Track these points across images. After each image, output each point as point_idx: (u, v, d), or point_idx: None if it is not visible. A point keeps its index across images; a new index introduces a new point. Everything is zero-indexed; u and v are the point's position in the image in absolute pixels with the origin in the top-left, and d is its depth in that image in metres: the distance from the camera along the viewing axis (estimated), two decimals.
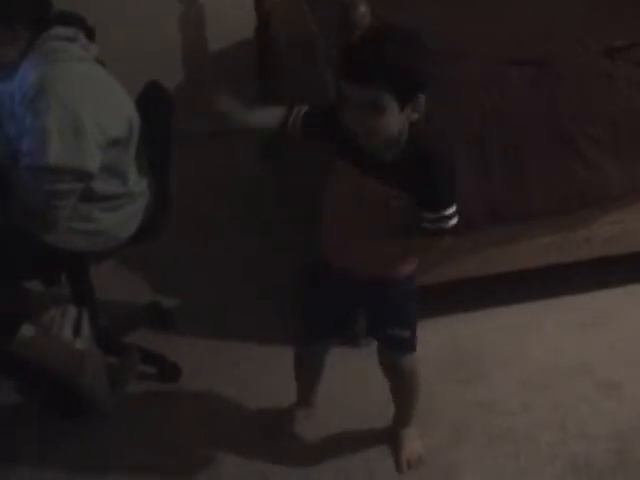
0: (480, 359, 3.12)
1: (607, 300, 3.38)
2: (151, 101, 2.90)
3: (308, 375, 2.80)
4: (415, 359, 2.60)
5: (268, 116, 2.41)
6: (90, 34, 2.74)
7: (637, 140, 3.15)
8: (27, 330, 2.73)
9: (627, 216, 3.27)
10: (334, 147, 2.29)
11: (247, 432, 2.84)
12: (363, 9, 2.72)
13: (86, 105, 2.55)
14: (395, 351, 2.57)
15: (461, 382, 3.02)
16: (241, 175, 4.20)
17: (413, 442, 2.77)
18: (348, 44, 2.39)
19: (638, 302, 3.38)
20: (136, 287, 3.47)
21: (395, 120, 2.11)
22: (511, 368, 3.08)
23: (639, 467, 2.71)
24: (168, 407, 2.94)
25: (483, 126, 3.01)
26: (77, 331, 2.95)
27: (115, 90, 2.74)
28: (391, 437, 2.79)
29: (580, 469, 2.71)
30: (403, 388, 2.69)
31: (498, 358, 3.12)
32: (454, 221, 2.22)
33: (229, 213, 3.95)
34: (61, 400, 2.88)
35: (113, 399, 2.88)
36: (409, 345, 2.55)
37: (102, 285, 3.09)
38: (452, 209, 2.21)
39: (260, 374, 3.05)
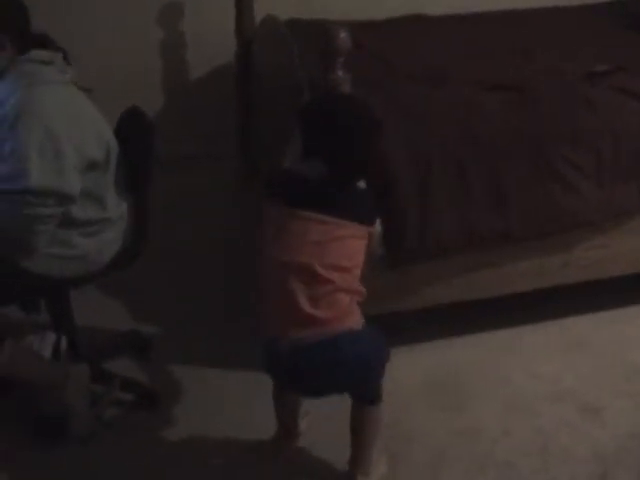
0: (461, 385, 3.10)
1: (589, 325, 3.38)
2: (131, 126, 2.91)
3: (289, 408, 2.77)
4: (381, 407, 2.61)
5: None
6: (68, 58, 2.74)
7: (616, 165, 3.17)
8: (7, 347, 2.71)
9: (609, 241, 3.28)
10: None
11: (225, 460, 2.81)
12: (344, 35, 2.74)
13: (63, 126, 2.55)
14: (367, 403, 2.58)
15: (442, 408, 3.00)
16: (223, 199, 4.19)
17: None
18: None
19: (620, 327, 3.38)
20: (116, 314, 3.44)
21: None
22: (492, 394, 3.06)
23: None
24: (145, 434, 2.90)
25: (463, 150, 3.02)
26: (56, 357, 2.93)
27: (92, 114, 2.74)
28: None
29: None
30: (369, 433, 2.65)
31: (479, 384, 3.11)
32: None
33: (211, 238, 3.93)
34: (39, 419, 2.86)
35: (89, 424, 2.85)
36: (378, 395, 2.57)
37: (81, 312, 3.07)
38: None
39: (240, 402, 3.02)
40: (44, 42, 2.69)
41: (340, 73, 2.78)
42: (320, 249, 2.33)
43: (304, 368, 2.39)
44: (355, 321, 2.41)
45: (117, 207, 2.80)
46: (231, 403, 3.02)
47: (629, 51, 3.68)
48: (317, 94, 2.84)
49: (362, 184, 2.53)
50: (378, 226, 2.52)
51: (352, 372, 2.42)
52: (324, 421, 2.84)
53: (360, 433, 2.62)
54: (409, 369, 3.13)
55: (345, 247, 2.36)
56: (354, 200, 2.43)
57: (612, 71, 3.39)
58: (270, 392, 2.72)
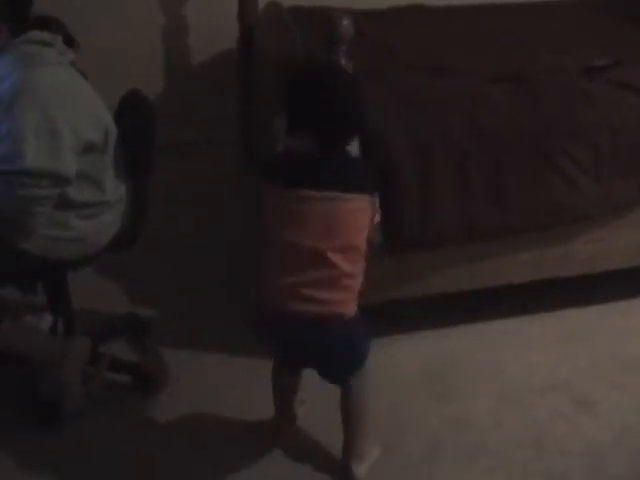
0: (455, 375, 3.11)
1: (586, 317, 3.39)
2: (132, 109, 2.90)
3: (285, 394, 2.78)
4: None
5: None
6: (69, 41, 2.73)
7: (614, 160, 3.17)
8: (5, 324, 2.72)
9: (607, 235, 3.29)
10: None
11: (223, 442, 2.82)
12: (347, 23, 2.75)
13: (60, 108, 2.54)
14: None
15: (437, 397, 3.01)
16: (224, 185, 4.18)
17: None
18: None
19: (617, 320, 3.39)
20: (113, 297, 3.45)
21: None
22: (486, 384, 3.07)
23: None
24: (142, 417, 2.91)
25: (464, 141, 3.02)
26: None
27: (90, 97, 2.73)
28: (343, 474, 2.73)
29: None
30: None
31: (475, 374, 3.11)
32: None
33: (211, 223, 3.93)
34: (35, 404, 2.86)
35: (82, 402, 2.85)
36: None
37: (79, 294, 3.06)
38: None
39: (238, 388, 3.02)
40: (47, 24, 2.68)
41: (343, 61, 2.79)
42: (329, 228, 2.34)
43: (292, 338, 2.44)
44: (350, 308, 2.43)
45: (115, 190, 2.80)
46: (229, 388, 3.02)
47: (628, 45, 3.69)
48: (299, 67, 2.81)
49: (354, 149, 2.52)
50: (377, 215, 2.53)
51: (336, 356, 2.46)
52: (320, 408, 2.84)
53: (350, 420, 2.64)
54: (407, 357, 3.15)
55: (353, 222, 2.37)
56: (348, 169, 2.43)
57: (611, 65, 3.39)
58: (268, 377, 2.73)
